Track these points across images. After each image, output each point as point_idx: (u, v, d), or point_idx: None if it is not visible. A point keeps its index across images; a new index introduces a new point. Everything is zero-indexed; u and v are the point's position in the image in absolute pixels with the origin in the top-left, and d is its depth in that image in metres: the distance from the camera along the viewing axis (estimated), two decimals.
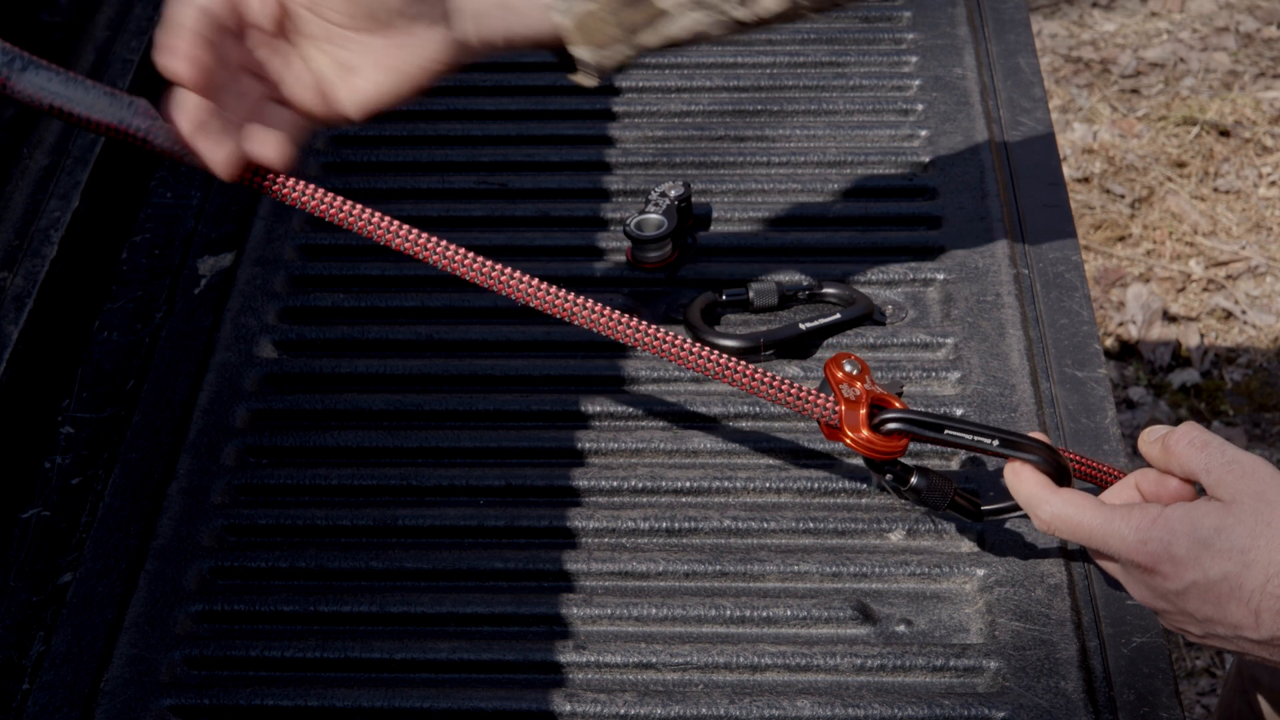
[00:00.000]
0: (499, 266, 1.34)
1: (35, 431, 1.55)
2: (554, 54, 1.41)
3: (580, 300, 1.34)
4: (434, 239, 1.33)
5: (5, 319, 1.55)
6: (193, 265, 1.72)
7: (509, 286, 1.33)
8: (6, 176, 1.68)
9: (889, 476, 1.37)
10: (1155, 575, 1.26)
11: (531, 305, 1.34)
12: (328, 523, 1.48)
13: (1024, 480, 1.34)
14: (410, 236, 1.32)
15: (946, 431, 1.35)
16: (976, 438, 1.35)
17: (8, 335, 1.53)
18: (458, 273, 1.33)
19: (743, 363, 1.35)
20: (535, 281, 1.34)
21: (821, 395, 1.36)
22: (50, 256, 1.62)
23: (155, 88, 1.84)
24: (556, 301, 1.34)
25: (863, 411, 1.34)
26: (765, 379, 1.35)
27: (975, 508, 1.41)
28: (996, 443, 1.35)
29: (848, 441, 1.35)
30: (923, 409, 1.40)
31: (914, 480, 1.38)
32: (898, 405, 1.36)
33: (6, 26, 1.73)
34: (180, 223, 1.78)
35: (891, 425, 1.35)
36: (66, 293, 1.64)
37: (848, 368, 1.36)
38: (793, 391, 1.35)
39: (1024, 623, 1.39)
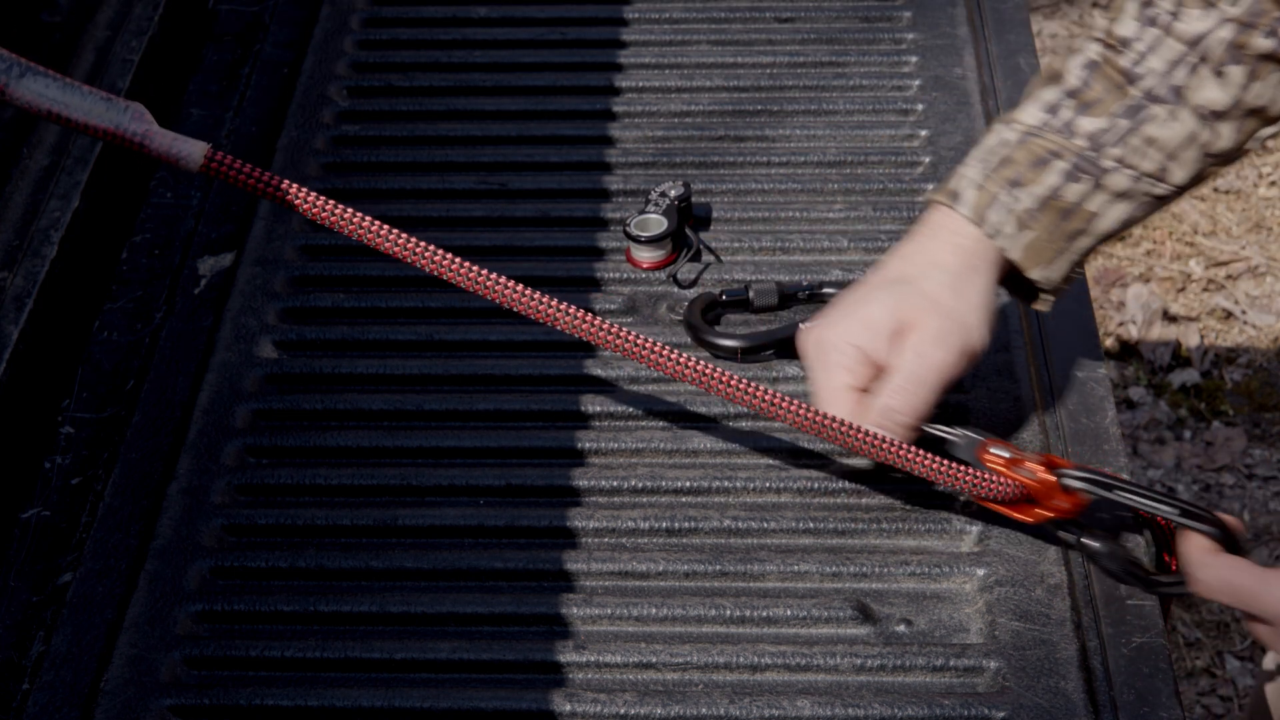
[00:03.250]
0: (484, 271, 1.34)
1: (35, 431, 1.55)
2: (1005, 285, 1.51)
3: (563, 306, 1.35)
4: (415, 241, 1.34)
5: (5, 319, 1.55)
6: (193, 265, 1.72)
7: (492, 290, 1.34)
8: (6, 176, 1.67)
9: (1075, 536, 1.42)
10: None
11: (513, 310, 1.35)
12: (328, 523, 1.48)
13: (1190, 545, 1.38)
14: (389, 236, 1.34)
15: (1120, 493, 1.40)
16: (1153, 504, 1.39)
17: (8, 335, 1.53)
18: (441, 275, 1.34)
19: (891, 439, 1.39)
20: (518, 286, 1.34)
21: (997, 477, 1.39)
22: (50, 256, 1.62)
23: (155, 88, 1.84)
24: (539, 306, 1.34)
25: (1049, 478, 1.39)
26: (934, 462, 1.39)
27: (1147, 576, 1.42)
28: (1177, 512, 1.39)
29: (1043, 516, 1.40)
30: (1096, 469, 1.44)
31: (1090, 543, 1.41)
32: (1064, 464, 1.41)
33: (6, 26, 1.73)
34: (180, 223, 1.78)
35: (1072, 483, 1.39)
36: (66, 293, 1.64)
37: (1001, 452, 1.42)
38: (967, 475, 1.39)
39: (1024, 623, 1.39)
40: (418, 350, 1.63)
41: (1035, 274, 1.47)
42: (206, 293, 1.69)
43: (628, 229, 1.69)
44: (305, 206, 1.32)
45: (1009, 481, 1.39)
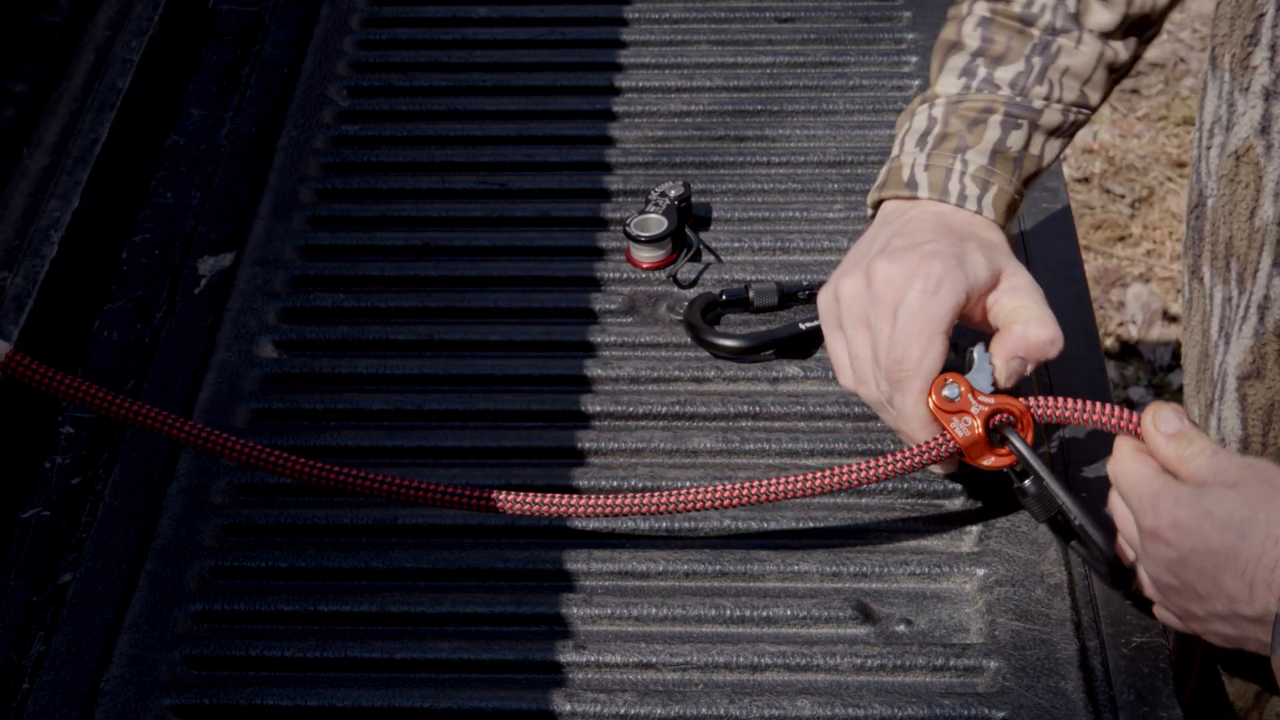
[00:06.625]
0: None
1: (35, 431, 1.55)
2: None
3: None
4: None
5: (5, 319, 1.55)
6: (193, 265, 1.72)
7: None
8: (6, 176, 1.68)
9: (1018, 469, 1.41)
10: (1159, 541, 1.29)
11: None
12: (328, 523, 1.48)
13: (1120, 447, 1.36)
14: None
15: (1044, 482, 1.38)
16: (1064, 502, 1.38)
17: (8, 335, 1.53)
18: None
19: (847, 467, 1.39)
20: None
21: (937, 439, 1.39)
22: (50, 256, 1.62)
23: (154, 88, 1.84)
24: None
25: (980, 438, 1.39)
26: (878, 464, 1.39)
27: (1069, 527, 1.41)
28: (1080, 523, 1.38)
29: (981, 465, 1.40)
30: (1040, 451, 1.43)
31: (1026, 484, 1.40)
32: (1018, 410, 1.39)
33: (6, 26, 1.73)
34: (180, 223, 1.78)
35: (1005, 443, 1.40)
36: (66, 293, 1.64)
37: (946, 393, 1.40)
38: (909, 455, 1.39)
39: (1024, 623, 1.39)
40: (418, 350, 1.63)
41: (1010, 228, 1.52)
42: (206, 293, 1.69)
43: (628, 229, 1.69)
44: (107, 406, 1.44)
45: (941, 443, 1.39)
